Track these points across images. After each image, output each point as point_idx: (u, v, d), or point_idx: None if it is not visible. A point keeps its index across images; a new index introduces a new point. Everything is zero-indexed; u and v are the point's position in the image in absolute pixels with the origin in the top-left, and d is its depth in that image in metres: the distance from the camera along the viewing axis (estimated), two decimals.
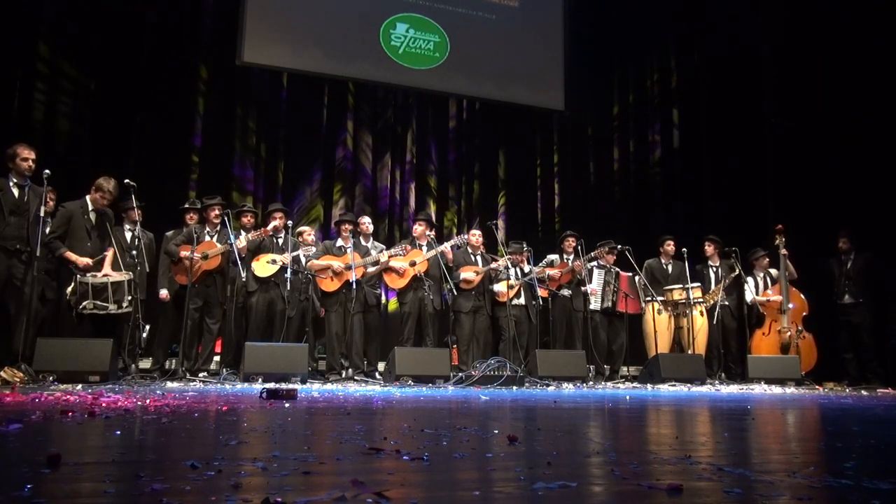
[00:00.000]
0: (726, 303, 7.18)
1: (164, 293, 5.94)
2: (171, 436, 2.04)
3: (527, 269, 6.83)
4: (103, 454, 1.63)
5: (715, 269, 7.41)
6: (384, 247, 6.56)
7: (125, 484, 1.25)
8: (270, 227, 6.07)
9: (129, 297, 5.07)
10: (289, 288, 5.87)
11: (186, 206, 6.36)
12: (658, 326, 7.05)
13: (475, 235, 6.80)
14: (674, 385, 6.15)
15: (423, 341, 6.32)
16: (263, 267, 5.99)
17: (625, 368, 7.19)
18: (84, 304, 4.89)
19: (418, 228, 6.70)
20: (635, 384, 6.53)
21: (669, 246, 7.39)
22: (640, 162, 10.31)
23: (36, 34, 7.28)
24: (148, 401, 3.18)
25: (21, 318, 4.71)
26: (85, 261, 5.05)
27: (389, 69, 9.06)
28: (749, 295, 7.24)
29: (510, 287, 6.54)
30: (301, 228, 6.75)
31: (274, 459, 1.53)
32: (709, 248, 7.45)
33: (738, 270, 7.18)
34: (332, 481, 1.32)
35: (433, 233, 6.74)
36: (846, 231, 7.22)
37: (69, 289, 4.96)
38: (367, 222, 6.62)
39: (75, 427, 2.15)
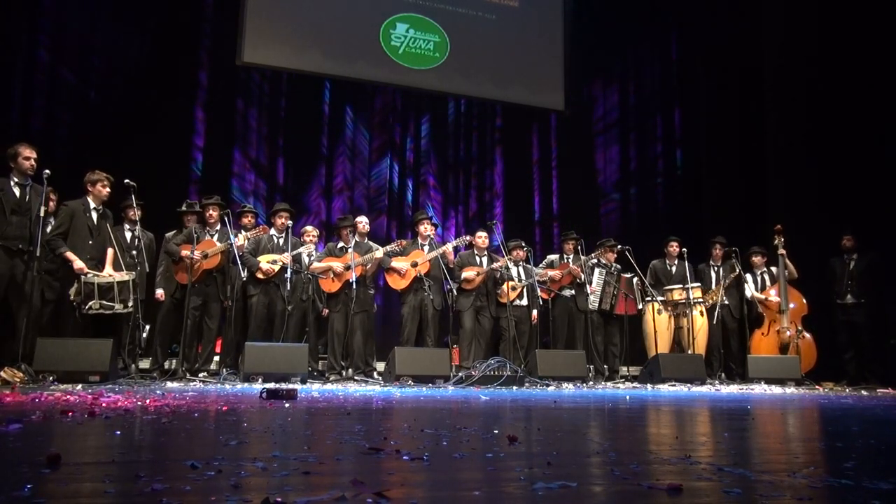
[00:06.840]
0: (726, 302, 7.19)
1: (159, 293, 5.93)
2: (171, 436, 2.04)
3: (529, 268, 6.82)
4: (103, 454, 1.64)
5: (717, 268, 7.42)
6: (380, 247, 6.55)
7: (125, 484, 1.25)
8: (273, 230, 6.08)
9: (134, 297, 5.07)
10: (289, 287, 5.87)
11: (184, 208, 6.33)
12: (658, 326, 7.05)
13: (481, 238, 6.72)
14: (674, 385, 6.15)
15: (424, 342, 6.31)
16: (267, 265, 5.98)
17: (625, 368, 7.19)
18: (90, 303, 4.88)
19: (423, 228, 6.59)
20: (635, 384, 6.53)
21: (673, 247, 7.37)
22: (640, 162, 10.31)
23: (37, 29, 7.28)
24: (148, 401, 3.17)
25: (22, 318, 4.71)
26: (80, 265, 4.97)
27: (389, 69, 9.06)
28: (748, 291, 7.25)
29: (512, 289, 6.53)
30: (304, 228, 6.75)
31: (274, 459, 1.52)
32: (717, 251, 7.44)
33: (738, 270, 7.18)
34: (332, 481, 1.32)
35: (433, 231, 6.70)
36: (850, 230, 7.22)
37: (73, 289, 4.94)
38: (363, 222, 6.60)
39: (75, 427, 2.15)
